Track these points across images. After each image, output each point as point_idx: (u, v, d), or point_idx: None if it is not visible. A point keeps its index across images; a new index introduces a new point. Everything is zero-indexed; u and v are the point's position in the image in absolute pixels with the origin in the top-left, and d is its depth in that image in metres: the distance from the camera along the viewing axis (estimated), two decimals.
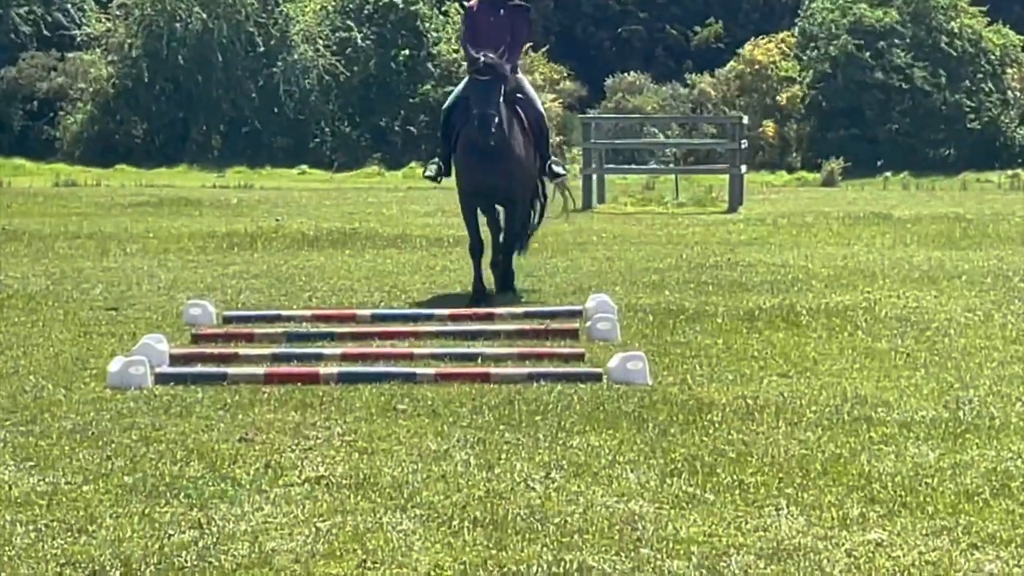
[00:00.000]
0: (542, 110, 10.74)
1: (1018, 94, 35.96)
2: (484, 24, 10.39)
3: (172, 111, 35.21)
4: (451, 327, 9.70)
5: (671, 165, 25.59)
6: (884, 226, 19.52)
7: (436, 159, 10.83)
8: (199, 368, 8.09)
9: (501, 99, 9.75)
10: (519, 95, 10.34)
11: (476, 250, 10.40)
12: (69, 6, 37.21)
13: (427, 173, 11.12)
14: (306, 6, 35.73)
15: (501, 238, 10.81)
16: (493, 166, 10.00)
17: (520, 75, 10.68)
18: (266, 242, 15.77)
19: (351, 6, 35.68)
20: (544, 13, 37.14)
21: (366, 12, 35.71)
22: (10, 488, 5.37)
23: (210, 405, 7.09)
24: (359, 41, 34.88)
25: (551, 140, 11.44)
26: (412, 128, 33.30)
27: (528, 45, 30.22)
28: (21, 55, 36.00)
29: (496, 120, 9.64)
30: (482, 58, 9.73)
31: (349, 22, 35.26)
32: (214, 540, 4.65)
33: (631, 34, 38.44)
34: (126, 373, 7.30)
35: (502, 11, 10.37)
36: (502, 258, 10.65)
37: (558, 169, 10.87)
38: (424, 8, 35.58)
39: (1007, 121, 34.92)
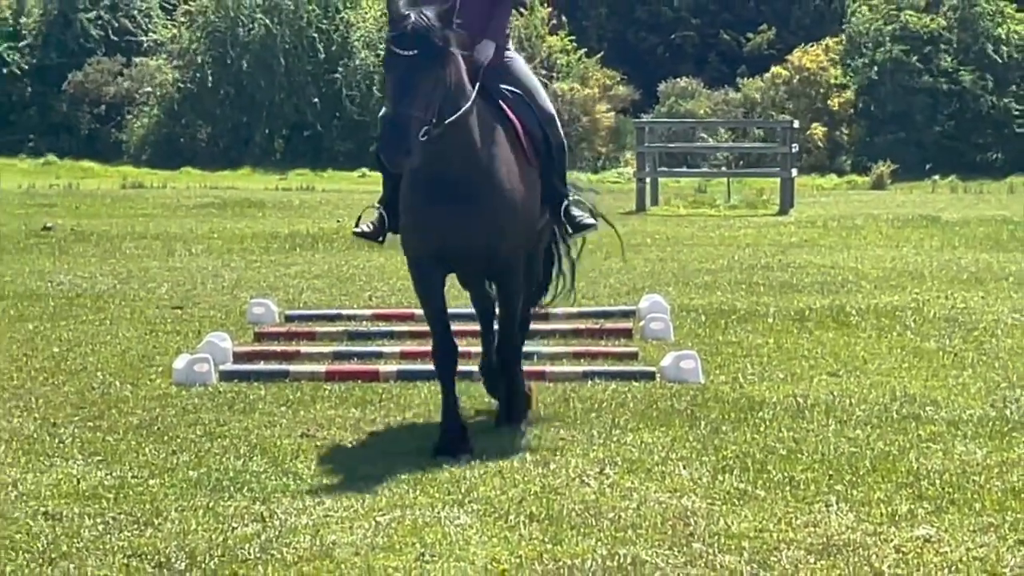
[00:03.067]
0: (551, 110, 6.34)
1: None
2: None
3: (236, 115, 35.80)
4: None
5: (723, 168, 25.90)
6: (932, 229, 19.56)
7: (377, 204, 6.20)
8: (262, 365, 8.22)
9: (436, 91, 5.46)
10: (508, 88, 6.15)
11: (444, 359, 5.87)
12: (136, 12, 37.98)
13: (357, 229, 6.24)
14: (367, 12, 36.16)
15: (497, 326, 6.51)
16: (459, 212, 5.77)
17: (513, 56, 6.41)
18: (327, 243, 16.09)
19: None
20: (598, 20, 37.73)
21: None
22: (78, 482, 5.48)
23: (272, 402, 7.19)
24: None
25: (566, 160, 6.37)
26: None
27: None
28: (89, 60, 36.64)
29: (417, 131, 5.38)
30: (410, 19, 5.43)
31: None
32: (276, 533, 4.71)
33: (684, 40, 38.95)
34: (191, 370, 7.42)
35: None
36: (500, 360, 6.38)
37: (578, 213, 6.28)
38: None
39: None
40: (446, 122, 5.48)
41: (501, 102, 5.97)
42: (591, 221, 6.26)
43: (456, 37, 5.57)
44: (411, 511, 5.07)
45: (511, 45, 6.52)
